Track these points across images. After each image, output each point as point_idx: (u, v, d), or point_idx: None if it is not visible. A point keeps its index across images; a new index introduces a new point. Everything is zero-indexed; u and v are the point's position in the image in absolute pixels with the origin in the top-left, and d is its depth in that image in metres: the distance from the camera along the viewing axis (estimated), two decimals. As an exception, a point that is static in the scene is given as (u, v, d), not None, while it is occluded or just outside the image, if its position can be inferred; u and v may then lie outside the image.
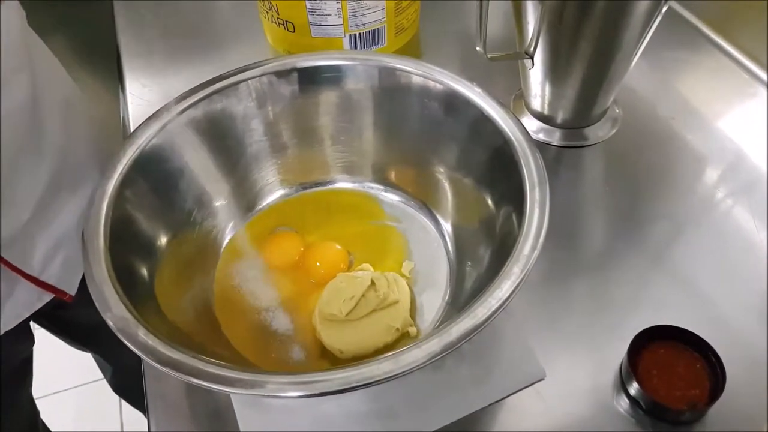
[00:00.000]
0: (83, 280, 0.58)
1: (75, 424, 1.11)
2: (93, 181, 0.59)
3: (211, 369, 0.29)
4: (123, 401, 0.94)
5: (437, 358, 0.30)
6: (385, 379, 0.29)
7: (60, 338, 0.76)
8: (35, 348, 0.66)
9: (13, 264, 0.48)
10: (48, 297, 0.55)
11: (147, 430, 0.40)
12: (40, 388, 0.72)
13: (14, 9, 0.44)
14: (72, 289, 0.56)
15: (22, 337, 0.60)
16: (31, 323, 0.62)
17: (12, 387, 0.64)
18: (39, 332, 0.66)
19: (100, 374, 0.87)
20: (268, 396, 0.29)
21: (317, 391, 0.28)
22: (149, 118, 0.40)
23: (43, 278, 0.51)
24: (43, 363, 0.74)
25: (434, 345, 0.30)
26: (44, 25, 0.87)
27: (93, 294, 0.32)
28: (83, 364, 0.87)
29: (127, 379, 0.85)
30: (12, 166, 0.44)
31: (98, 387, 0.89)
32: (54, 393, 1.19)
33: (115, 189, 0.37)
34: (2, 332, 0.51)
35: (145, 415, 0.41)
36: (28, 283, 0.50)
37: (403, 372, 0.29)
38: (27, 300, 0.52)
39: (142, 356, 0.30)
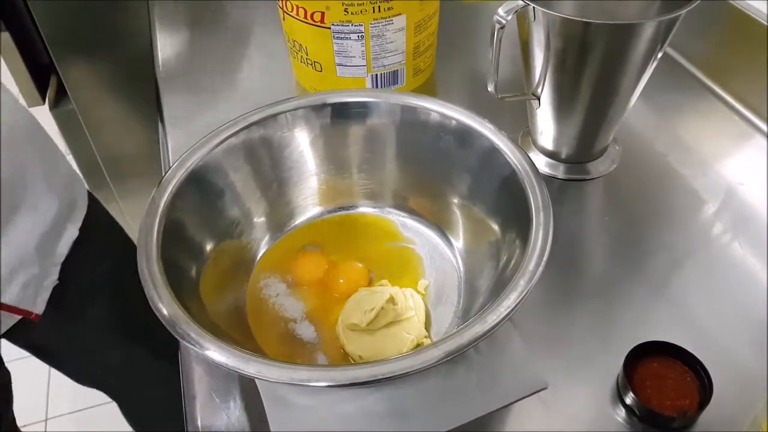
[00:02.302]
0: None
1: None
2: (49, 204, 0.57)
3: (254, 360, 0.33)
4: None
5: (451, 356, 0.33)
6: (405, 373, 0.33)
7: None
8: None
9: None
10: (12, 320, 0.54)
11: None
12: (41, 411, 0.69)
13: None
14: (37, 308, 0.56)
15: None
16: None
17: None
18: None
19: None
20: (305, 385, 0.33)
21: (347, 381, 0.32)
22: (197, 144, 0.45)
23: (2, 301, 0.52)
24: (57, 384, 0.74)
25: (449, 345, 0.34)
26: (85, 55, 0.94)
27: (148, 294, 0.36)
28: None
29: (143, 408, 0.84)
30: None
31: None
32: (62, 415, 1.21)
33: (167, 202, 0.41)
34: None
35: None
36: None
37: (422, 367, 0.33)
38: None
39: (190, 347, 0.34)
